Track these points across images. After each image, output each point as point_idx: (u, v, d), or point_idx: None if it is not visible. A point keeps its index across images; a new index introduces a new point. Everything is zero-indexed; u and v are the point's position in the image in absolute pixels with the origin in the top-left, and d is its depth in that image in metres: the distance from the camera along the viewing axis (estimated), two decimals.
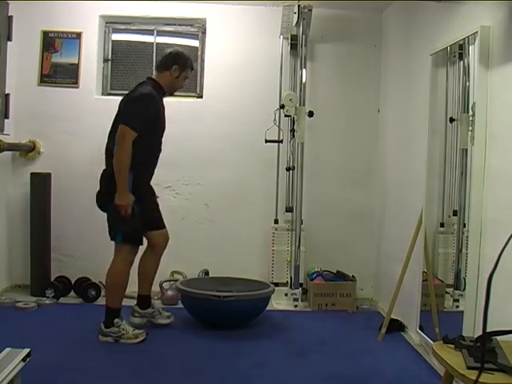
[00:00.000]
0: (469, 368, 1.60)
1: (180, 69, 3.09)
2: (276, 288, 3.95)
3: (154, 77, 3.15)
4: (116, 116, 3.05)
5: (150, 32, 4.18)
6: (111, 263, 3.03)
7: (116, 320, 2.96)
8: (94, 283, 3.80)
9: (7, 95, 3.58)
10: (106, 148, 3.04)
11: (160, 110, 3.10)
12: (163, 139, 3.16)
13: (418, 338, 3.04)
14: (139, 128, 2.86)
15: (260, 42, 4.05)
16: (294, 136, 3.89)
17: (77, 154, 4.00)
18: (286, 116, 3.85)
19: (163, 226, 3.27)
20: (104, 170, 3.04)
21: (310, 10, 3.73)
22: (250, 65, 4.07)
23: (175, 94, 3.37)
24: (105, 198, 2.96)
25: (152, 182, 3.96)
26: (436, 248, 2.99)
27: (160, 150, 3.15)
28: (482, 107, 2.34)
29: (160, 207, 3.52)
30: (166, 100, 4.04)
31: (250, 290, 3.33)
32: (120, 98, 4.00)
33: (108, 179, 2.93)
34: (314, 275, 3.94)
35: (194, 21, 4.13)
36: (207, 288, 3.35)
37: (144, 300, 3.26)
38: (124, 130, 2.83)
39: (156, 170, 3.87)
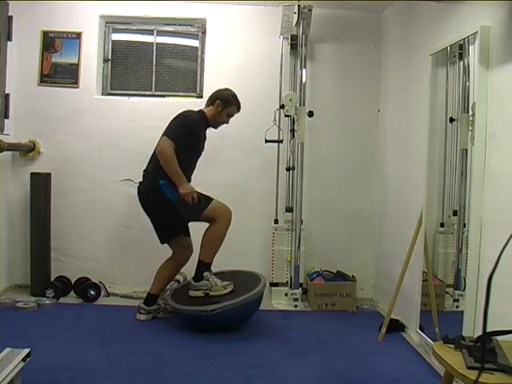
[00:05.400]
0: (469, 368, 1.60)
1: (222, 105, 3.37)
2: (276, 288, 3.97)
3: (203, 108, 3.44)
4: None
5: (150, 32, 4.17)
6: (214, 226, 3.29)
7: (205, 273, 3.25)
8: (94, 283, 3.81)
9: (7, 95, 3.59)
10: (145, 170, 3.36)
11: (201, 137, 3.40)
12: (198, 163, 3.45)
13: (418, 338, 3.04)
14: (178, 142, 3.15)
15: (260, 42, 4.05)
16: (293, 136, 3.89)
17: (77, 153, 4.00)
18: (286, 116, 3.84)
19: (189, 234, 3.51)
20: (139, 185, 3.39)
21: (310, 10, 3.73)
22: (250, 65, 4.06)
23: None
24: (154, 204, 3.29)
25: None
26: (436, 248, 2.99)
27: (192, 171, 3.42)
28: (482, 107, 2.34)
29: None
30: (167, 100, 4.08)
31: (238, 293, 3.18)
32: (120, 98, 4.07)
33: (150, 192, 3.28)
34: (314, 275, 3.94)
35: (194, 21, 4.13)
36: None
37: (152, 298, 3.41)
38: (165, 140, 3.16)
39: None
